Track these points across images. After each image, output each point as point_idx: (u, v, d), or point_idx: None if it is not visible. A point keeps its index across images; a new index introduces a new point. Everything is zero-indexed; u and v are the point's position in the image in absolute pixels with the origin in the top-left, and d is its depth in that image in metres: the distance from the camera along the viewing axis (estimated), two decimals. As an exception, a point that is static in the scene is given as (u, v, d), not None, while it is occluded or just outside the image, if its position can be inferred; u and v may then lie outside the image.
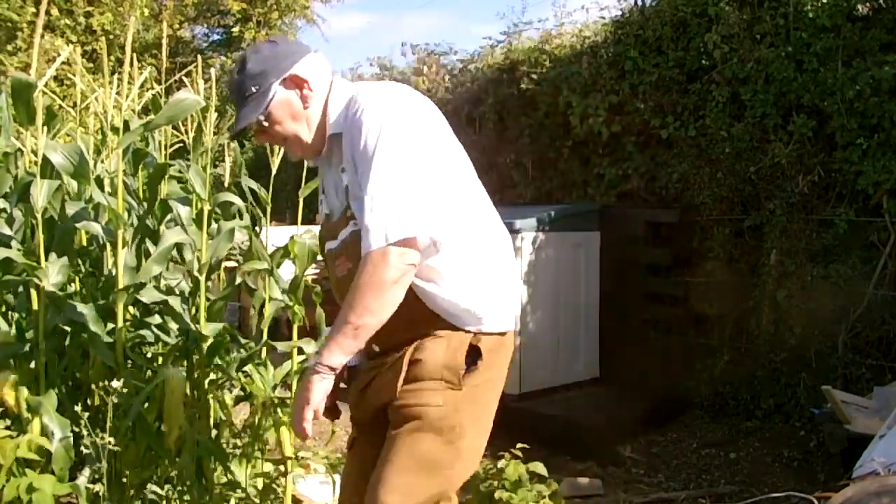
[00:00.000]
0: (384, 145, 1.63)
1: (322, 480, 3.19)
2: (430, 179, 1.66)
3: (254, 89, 1.76)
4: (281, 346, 2.89)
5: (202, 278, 2.79)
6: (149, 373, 2.78)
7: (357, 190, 1.67)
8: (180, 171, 2.90)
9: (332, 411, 1.86)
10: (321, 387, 1.65)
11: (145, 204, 2.96)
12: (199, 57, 3.17)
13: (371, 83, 1.81)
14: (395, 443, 1.69)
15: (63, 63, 2.85)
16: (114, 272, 2.68)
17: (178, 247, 2.88)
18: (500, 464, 2.95)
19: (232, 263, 3.23)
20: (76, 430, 2.57)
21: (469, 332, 1.73)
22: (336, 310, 1.69)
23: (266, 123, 1.79)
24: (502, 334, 1.78)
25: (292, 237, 2.92)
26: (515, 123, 6.47)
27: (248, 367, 2.90)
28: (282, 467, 2.93)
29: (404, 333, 1.71)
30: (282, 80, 1.77)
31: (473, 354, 1.73)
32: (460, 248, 1.73)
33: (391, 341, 1.73)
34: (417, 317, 1.70)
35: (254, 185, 3.12)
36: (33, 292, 2.55)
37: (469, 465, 1.78)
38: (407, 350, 1.73)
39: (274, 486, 2.84)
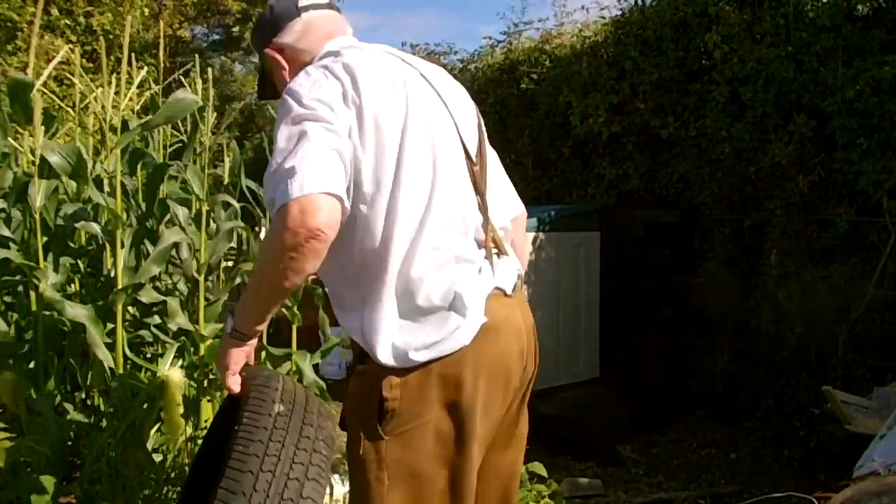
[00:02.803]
0: (290, 115, 1.43)
1: (321, 481, 3.19)
2: (342, 149, 1.40)
3: (257, 52, 1.79)
4: (276, 352, 2.89)
5: (201, 278, 2.79)
6: (148, 373, 2.77)
7: None
8: (178, 171, 2.90)
9: None
10: (235, 352, 1.52)
11: (144, 204, 2.96)
12: (196, 56, 3.17)
13: (339, 53, 1.58)
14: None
15: (63, 63, 2.84)
16: (113, 272, 2.68)
17: (177, 247, 2.88)
18: (500, 464, 2.94)
19: (232, 263, 3.23)
20: (75, 430, 2.57)
21: (382, 365, 1.43)
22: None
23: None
24: (425, 366, 1.43)
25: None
26: (515, 123, 6.47)
27: (248, 368, 2.91)
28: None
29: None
30: (265, 50, 1.70)
31: (383, 403, 1.43)
32: (387, 244, 1.46)
33: (354, 346, 1.58)
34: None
35: (252, 185, 3.12)
36: (32, 293, 2.54)
37: None
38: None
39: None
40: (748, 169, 4.90)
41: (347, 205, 1.39)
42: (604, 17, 6.16)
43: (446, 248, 1.50)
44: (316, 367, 3.05)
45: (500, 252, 1.60)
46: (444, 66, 7.74)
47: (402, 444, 1.45)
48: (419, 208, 1.48)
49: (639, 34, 5.54)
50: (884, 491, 2.33)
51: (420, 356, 1.44)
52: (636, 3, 5.78)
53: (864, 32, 4.51)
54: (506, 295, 1.56)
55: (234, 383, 1.53)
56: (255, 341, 1.55)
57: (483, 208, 1.57)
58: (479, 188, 1.58)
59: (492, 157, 1.69)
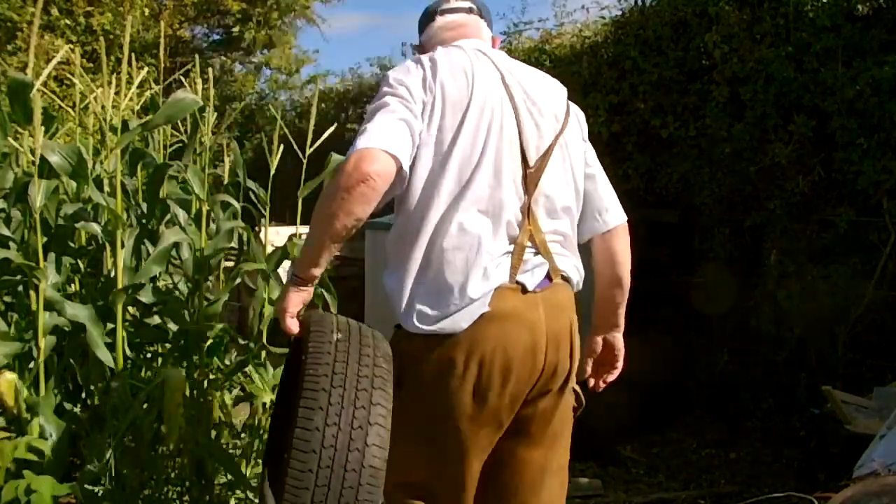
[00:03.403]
0: (378, 94, 1.70)
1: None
2: (409, 120, 1.63)
3: None
4: (278, 352, 2.89)
5: (201, 279, 2.79)
6: (148, 373, 2.78)
7: None
8: (178, 171, 2.90)
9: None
10: (294, 296, 1.68)
11: (144, 204, 2.96)
12: (196, 57, 3.17)
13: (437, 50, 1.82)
14: None
15: (63, 63, 2.84)
16: (113, 272, 2.68)
17: (177, 247, 2.88)
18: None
19: (231, 263, 3.23)
20: (75, 430, 2.57)
21: (401, 329, 1.68)
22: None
23: None
24: (428, 337, 1.63)
25: (291, 237, 2.93)
26: (515, 123, 6.45)
27: (248, 368, 2.91)
28: (281, 468, 2.93)
29: None
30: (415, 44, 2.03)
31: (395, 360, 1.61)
32: (420, 225, 1.66)
33: None
34: None
35: (252, 185, 3.13)
36: (32, 293, 2.54)
37: (392, 473, 1.57)
38: None
39: (273, 486, 2.84)
40: (748, 169, 4.90)
41: (405, 166, 1.60)
42: (604, 17, 6.16)
43: (472, 234, 1.65)
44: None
45: (539, 252, 1.72)
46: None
47: (403, 401, 1.58)
48: (457, 190, 1.65)
49: (639, 34, 5.53)
50: (884, 491, 2.33)
51: (421, 325, 1.63)
52: (636, 3, 5.77)
53: (864, 32, 4.51)
54: (525, 291, 1.68)
55: (293, 325, 1.69)
56: (311, 287, 1.72)
57: (525, 209, 1.71)
58: (528, 189, 1.71)
59: (567, 167, 1.81)
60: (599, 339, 1.99)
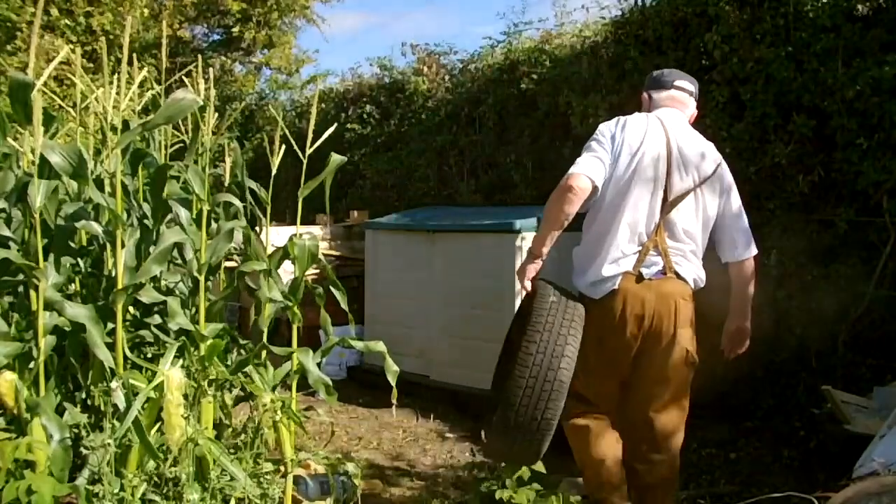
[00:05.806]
0: (591, 138, 2.72)
1: (322, 480, 3.19)
2: (603, 158, 2.61)
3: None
4: (278, 352, 2.89)
5: (202, 278, 2.79)
6: (148, 373, 2.77)
7: None
8: (179, 172, 2.90)
9: None
10: (529, 267, 2.71)
11: (146, 205, 2.96)
12: (199, 57, 3.17)
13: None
14: None
15: (63, 63, 2.84)
16: (113, 272, 2.68)
17: (178, 247, 2.88)
18: (501, 463, 2.94)
19: (232, 263, 3.23)
20: (76, 430, 2.57)
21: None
22: None
23: None
24: (592, 299, 2.65)
25: (291, 238, 2.93)
26: (515, 123, 6.45)
27: (248, 368, 2.90)
28: (282, 467, 2.93)
29: None
30: (642, 92, 2.95)
31: None
32: (592, 224, 2.71)
33: None
34: None
35: (253, 185, 3.13)
36: (32, 293, 2.54)
37: (579, 383, 2.62)
38: None
39: (274, 486, 2.84)
40: (748, 169, 4.89)
41: (597, 183, 2.58)
42: (604, 18, 6.16)
43: (618, 237, 2.63)
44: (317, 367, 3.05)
45: (660, 255, 2.64)
46: (443, 67, 7.75)
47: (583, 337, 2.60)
48: (616, 207, 2.62)
49: (639, 34, 5.53)
50: (884, 491, 2.33)
51: (582, 290, 2.73)
52: (636, 3, 5.77)
53: (864, 32, 4.51)
54: (642, 278, 2.63)
55: (528, 286, 2.71)
56: (540, 260, 2.72)
57: (658, 225, 2.63)
58: (664, 211, 2.63)
59: (700, 207, 2.69)
60: (733, 325, 2.92)
